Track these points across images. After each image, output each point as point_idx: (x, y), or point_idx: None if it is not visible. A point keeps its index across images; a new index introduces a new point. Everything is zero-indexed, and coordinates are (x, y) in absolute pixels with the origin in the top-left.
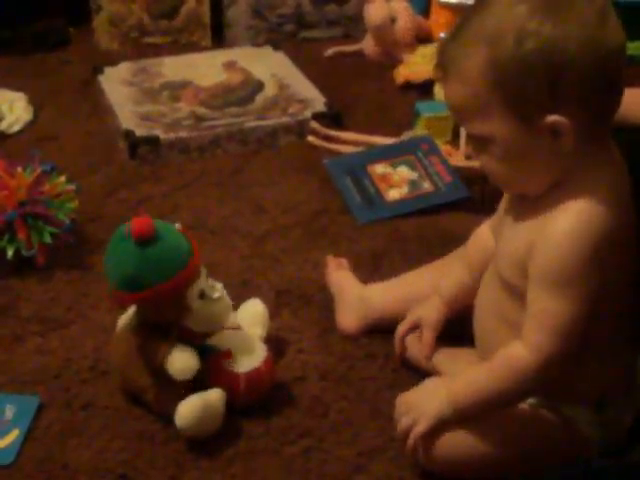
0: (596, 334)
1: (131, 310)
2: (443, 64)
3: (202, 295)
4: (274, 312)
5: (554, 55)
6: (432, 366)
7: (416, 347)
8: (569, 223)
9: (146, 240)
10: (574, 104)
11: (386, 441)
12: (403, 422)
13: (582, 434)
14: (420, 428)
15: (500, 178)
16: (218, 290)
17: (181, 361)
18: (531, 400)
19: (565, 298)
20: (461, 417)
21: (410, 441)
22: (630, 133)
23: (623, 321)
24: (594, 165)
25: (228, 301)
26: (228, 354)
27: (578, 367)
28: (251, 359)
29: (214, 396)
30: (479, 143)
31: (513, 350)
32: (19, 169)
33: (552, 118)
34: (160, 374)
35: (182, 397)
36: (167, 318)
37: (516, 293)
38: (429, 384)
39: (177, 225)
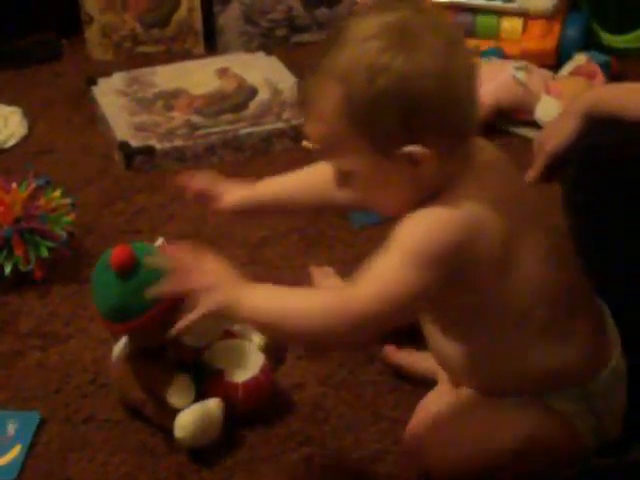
0: (532, 317)
1: (124, 338)
2: (302, 102)
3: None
4: None
5: (406, 89)
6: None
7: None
8: (429, 213)
9: (126, 270)
10: (430, 133)
11: (387, 445)
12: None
13: (575, 426)
14: (198, 315)
15: (369, 205)
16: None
17: (181, 394)
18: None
19: (404, 269)
20: (245, 314)
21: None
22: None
23: (567, 296)
24: (460, 180)
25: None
26: (223, 373)
27: (552, 351)
28: (248, 368)
29: (212, 405)
30: (343, 177)
31: (342, 289)
32: (14, 185)
33: (408, 149)
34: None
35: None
36: (159, 341)
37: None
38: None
39: (159, 240)
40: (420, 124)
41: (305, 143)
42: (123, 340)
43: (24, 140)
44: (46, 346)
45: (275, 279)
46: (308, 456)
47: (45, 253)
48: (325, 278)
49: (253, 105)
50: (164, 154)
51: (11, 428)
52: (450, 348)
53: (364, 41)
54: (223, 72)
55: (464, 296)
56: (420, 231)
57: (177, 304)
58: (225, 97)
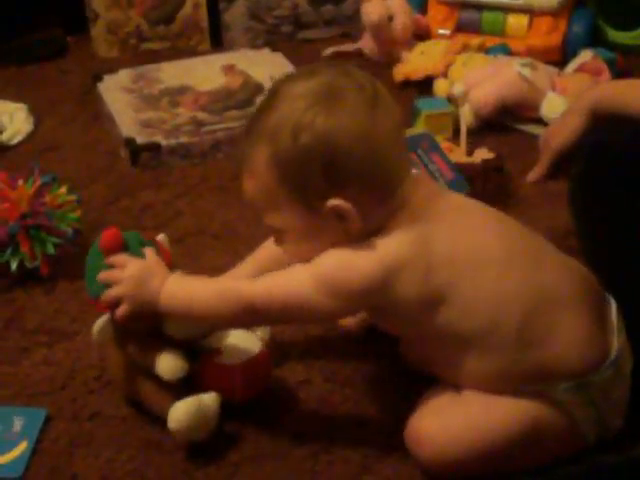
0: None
1: (105, 317)
2: (239, 160)
3: None
4: None
5: (327, 145)
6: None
7: None
8: (351, 252)
9: (112, 252)
10: (353, 188)
11: (394, 442)
12: (113, 288)
13: (574, 416)
14: (124, 311)
15: (304, 258)
16: None
17: (169, 361)
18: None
19: (315, 291)
20: (163, 308)
21: (117, 313)
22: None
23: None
24: (392, 221)
25: None
26: (219, 351)
27: (540, 347)
28: (246, 350)
29: (207, 398)
30: (277, 233)
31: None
32: (20, 181)
33: (332, 203)
34: (154, 378)
35: (177, 400)
36: (145, 325)
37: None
38: (157, 267)
39: (160, 236)
40: (342, 180)
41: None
42: (103, 319)
43: (30, 137)
44: (52, 342)
45: None
46: (314, 452)
47: (51, 250)
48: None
49: (259, 101)
50: (170, 151)
51: (17, 424)
52: (430, 359)
53: (291, 101)
54: (229, 69)
55: (409, 328)
56: (336, 264)
57: None
58: (231, 94)
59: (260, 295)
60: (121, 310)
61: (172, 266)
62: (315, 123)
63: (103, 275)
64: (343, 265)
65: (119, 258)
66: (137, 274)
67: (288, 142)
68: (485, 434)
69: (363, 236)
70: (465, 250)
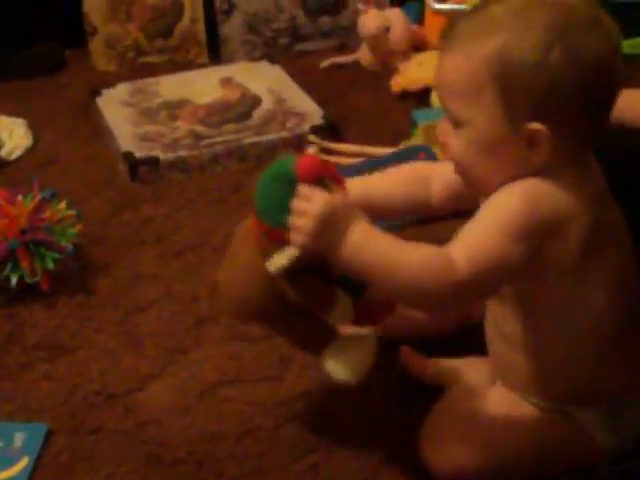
0: (600, 332)
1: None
2: (452, 36)
3: None
4: None
5: (557, 76)
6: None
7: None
8: (525, 186)
9: (307, 181)
10: (562, 122)
11: (394, 453)
12: (297, 220)
13: (595, 439)
14: (300, 246)
15: (462, 166)
16: None
17: (342, 315)
18: (541, 403)
19: (500, 240)
20: (347, 258)
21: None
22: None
23: (629, 319)
24: (564, 170)
25: None
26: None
27: (589, 367)
28: None
29: (363, 335)
30: (455, 122)
31: (452, 251)
32: (19, 197)
33: (535, 126)
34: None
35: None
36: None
37: (502, 298)
38: (347, 210)
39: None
40: (559, 110)
41: (310, 151)
42: (288, 253)
43: (29, 152)
44: (53, 358)
45: None
46: (314, 464)
47: (51, 265)
48: None
49: (257, 114)
50: (168, 164)
51: (18, 440)
52: (515, 354)
53: (541, 8)
54: (226, 81)
55: (543, 288)
56: (515, 203)
57: None
58: (229, 107)
59: (467, 272)
60: (297, 244)
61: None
62: (552, 49)
63: (294, 204)
64: (526, 200)
65: (305, 189)
66: (324, 211)
67: (522, 50)
68: (501, 444)
69: (534, 171)
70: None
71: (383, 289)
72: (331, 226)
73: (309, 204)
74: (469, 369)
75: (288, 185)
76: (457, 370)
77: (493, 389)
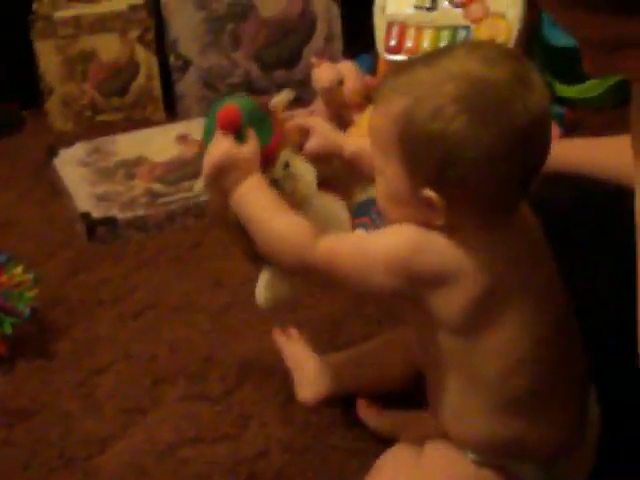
0: (505, 391)
1: None
2: (380, 90)
3: (286, 166)
4: (236, 387)
5: (455, 148)
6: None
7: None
8: (406, 230)
9: (228, 130)
10: (461, 192)
11: None
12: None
13: None
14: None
15: (384, 207)
16: (305, 171)
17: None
18: (476, 457)
19: (366, 258)
20: (233, 204)
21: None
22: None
23: (562, 370)
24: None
25: (313, 186)
26: None
27: (527, 423)
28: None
29: None
30: (375, 170)
31: (322, 237)
32: None
33: (429, 193)
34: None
35: None
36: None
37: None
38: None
39: (279, 99)
40: (452, 182)
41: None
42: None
43: None
44: (12, 423)
45: (239, 346)
46: None
47: (9, 330)
48: (290, 342)
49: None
50: (126, 224)
51: None
52: (435, 385)
53: (447, 80)
54: (183, 138)
55: (440, 341)
56: (398, 241)
57: (275, 154)
58: (185, 164)
59: (323, 256)
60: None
61: (283, 140)
62: (454, 121)
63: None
64: (417, 248)
65: (218, 136)
66: (219, 159)
67: (425, 116)
68: None
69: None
70: (519, 286)
71: (253, 231)
72: (224, 174)
73: (212, 150)
74: (417, 421)
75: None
76: (408, 422)
77: (433, 443)
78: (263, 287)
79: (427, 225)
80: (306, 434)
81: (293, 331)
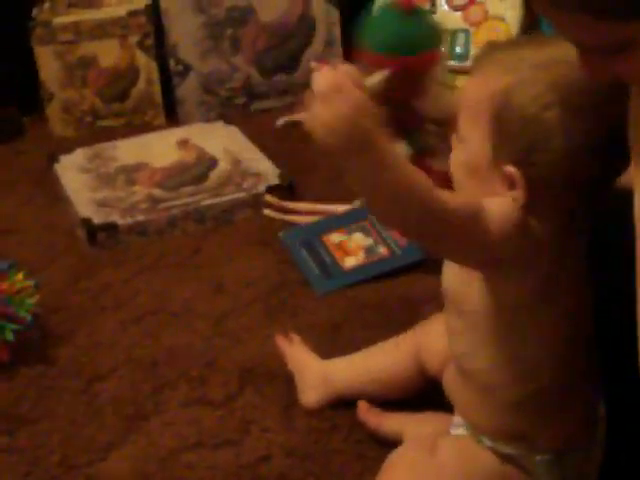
0: (547, 375)
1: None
2: (481, 61)
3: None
4: (237, 392)
5: (547, 135)
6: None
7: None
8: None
9: (410, 9)
10: (537, 176)
11: None
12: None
13: None
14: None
15: (454, 181)
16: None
17: None
18: (491, 444)
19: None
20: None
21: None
22: None
23: (579, 368)
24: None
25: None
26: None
27: (537, 413)
28: None
29: None
30: (459, 137)
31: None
32: None
33: (510, 170)
34: None
35: None
36: (410, 94)
37: (461, 313)
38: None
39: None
40: (538, 164)
41: (266, 212)
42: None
43: None
44: (13, 430)
45: (240, 351)
46: None
47: (10, 336)
48: (293, 346)
49: (214, 176)
50: (127, 229)
51: None
52: (460, 376)
53: (556, 64)
54: (183, 143)
55: (498, 320)
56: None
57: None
58: (186, 169)
59: (457, 209)
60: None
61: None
62: (550, 109)
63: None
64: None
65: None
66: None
67: (524, 99)
68: None
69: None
70: (567, 281)
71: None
72: (359, 122)
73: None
74: (422, 422)
75: (390, 16)
76: (411, 424)
77: (445, 438)
78: None
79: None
80: (308, 439)
81: (295, 336)
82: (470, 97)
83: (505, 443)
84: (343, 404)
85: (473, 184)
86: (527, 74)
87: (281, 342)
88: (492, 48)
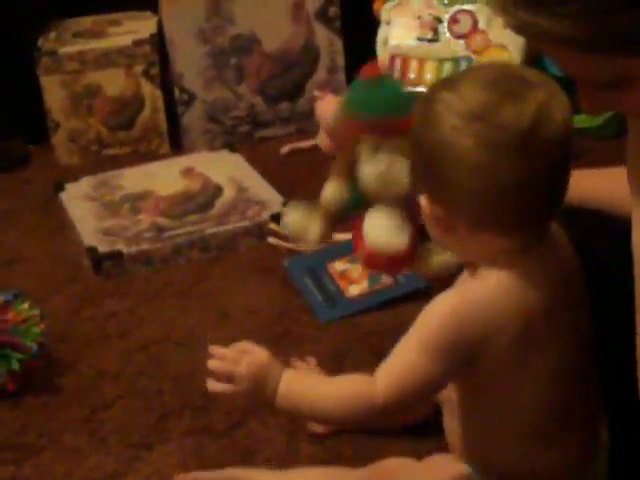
0: (535, 420)
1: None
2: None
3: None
4: (241, 421)
5: (446, 155)
6: None
7: None
8: (451, 295)
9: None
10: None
11: None
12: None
13: None
14: (240, 393)
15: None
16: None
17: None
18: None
19: (420, 356)
20: (280, 407)
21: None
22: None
23: (574, 392)
24: (507, 261)
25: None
26: None
27: (541, 451)
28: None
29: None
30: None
31: (367, 383)
32: None
33: (422, 200)
34: None
35: None
36: None
37: None
38: (271, 367)
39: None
40: (436, 183)
41: (270, 240)
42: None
43: None
44: (19, 459)
45: None
46: None
47: (16, 365)
48: (307, 370)
49: (218, 204)
50: (132, 258)
51: None
52: (454, 420)
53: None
54: (188, 172)
55: (473, 380)
56: (434, 322)
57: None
58: (190, 197)
59: (390, 397)
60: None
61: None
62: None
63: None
64: (445, 319)
65: (235, 349)
66: (252, 376)
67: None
68: None
69: (461, 251)
70: (553, 310)
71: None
72: (261, 389)
73: (237, 364)
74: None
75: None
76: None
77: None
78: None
79: (445, 233)
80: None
81: (311, 359)
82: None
83: (491, 475)
84: (347, 434)
85: (448, 237)
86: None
87: (296, 364)
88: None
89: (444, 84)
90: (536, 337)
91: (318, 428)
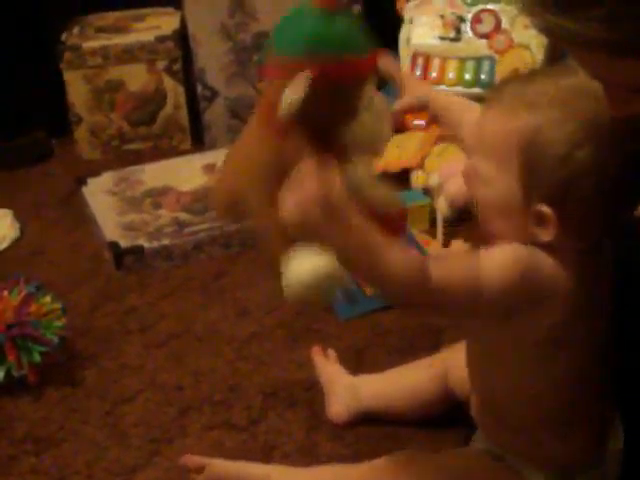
0: (560, 399)
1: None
2: (499, 97)
3: (369, 105)
4: (260, 416)
5: (582, 172)
6: None
7: None
8: (512, 250)
9: (332, 10)
10: (572, 214)
11: None
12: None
13: None
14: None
15: (481, 217)
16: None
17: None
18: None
19: (476, 278)
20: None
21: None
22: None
23: (589, 389)
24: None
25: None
26: None
27: (544, 430)
28: None
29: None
30: (477, 178)
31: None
32: (5, 292)
33: (545, 209)
34: None
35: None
36: (333, 120)
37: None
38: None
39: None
40: (571, 204)
41: None
42: (296, 88)
43: (16, 243)
44: (40, 451)
45: (263, 376)
46: None
47: (37, 358)
48: (327, 363)
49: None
50: (153, 253)
51: None
52: (486, 379)
53: (575, 99)
54: (209, 168)
55: (508, 353)
56: (509, 260)
57: (368, 75)
58: None
59: (437, 287)
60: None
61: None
62: (583, 147)
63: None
64: (529, 266)
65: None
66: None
67: (554, 137)
68: None
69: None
70: (592, 307)
71: (362, 275)
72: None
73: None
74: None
75: (305, 17)
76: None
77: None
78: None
79: (530, 241)
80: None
81: (331, 352)
82: (490, 135)
83: (513, 453)
84: (366, 432)
85: (503, 224)
86: (554, 113)
87: (317, 355)
88: (504, 84)
89: None
90: (567, 331)
91: (336, 415)
